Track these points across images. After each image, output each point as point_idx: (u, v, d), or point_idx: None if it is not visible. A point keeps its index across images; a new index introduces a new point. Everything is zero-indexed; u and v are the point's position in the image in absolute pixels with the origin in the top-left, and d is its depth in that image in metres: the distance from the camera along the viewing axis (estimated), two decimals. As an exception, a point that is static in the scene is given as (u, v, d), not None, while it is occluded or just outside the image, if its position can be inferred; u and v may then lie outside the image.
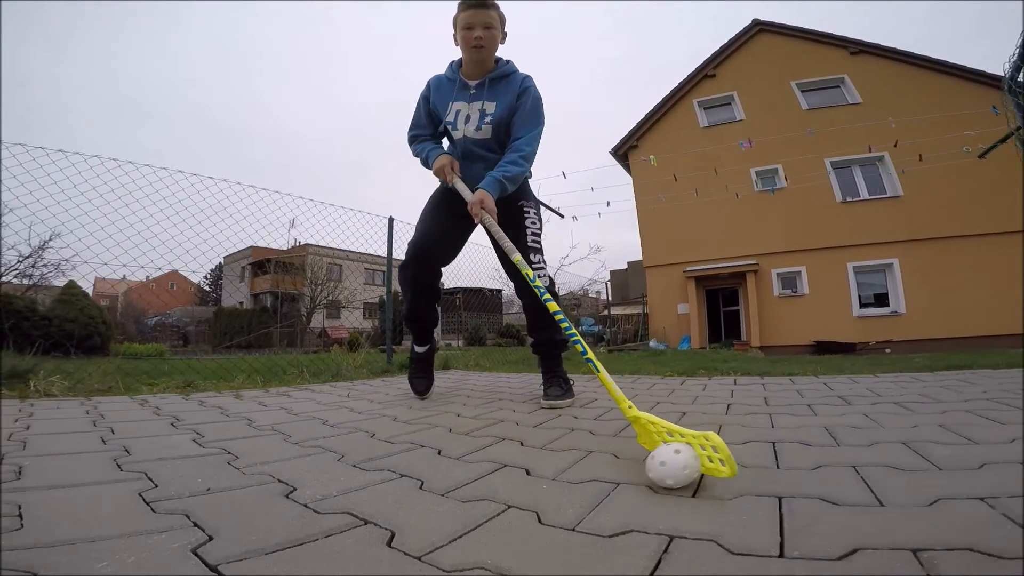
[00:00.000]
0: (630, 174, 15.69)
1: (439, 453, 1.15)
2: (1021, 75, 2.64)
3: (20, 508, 0.74)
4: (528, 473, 0.97)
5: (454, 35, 1.85)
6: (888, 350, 11.31)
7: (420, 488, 0.88)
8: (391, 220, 4.71)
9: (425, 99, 2.01)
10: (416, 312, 2.10)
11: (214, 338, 22.54)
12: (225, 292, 35.21)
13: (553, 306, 1.56)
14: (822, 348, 11.23)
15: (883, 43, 14.05)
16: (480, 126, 1.89)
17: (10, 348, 7.34)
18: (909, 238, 11.98)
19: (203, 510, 0.75)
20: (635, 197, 14.89)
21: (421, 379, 2.16)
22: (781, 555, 0.57)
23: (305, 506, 0.78)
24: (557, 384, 1.93)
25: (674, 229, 13.71)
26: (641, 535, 0.64)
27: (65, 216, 3.04)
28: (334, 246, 5.48)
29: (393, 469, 1.01)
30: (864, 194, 13.07)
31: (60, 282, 15.02)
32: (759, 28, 15.45)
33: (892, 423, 1.32)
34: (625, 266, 23.94)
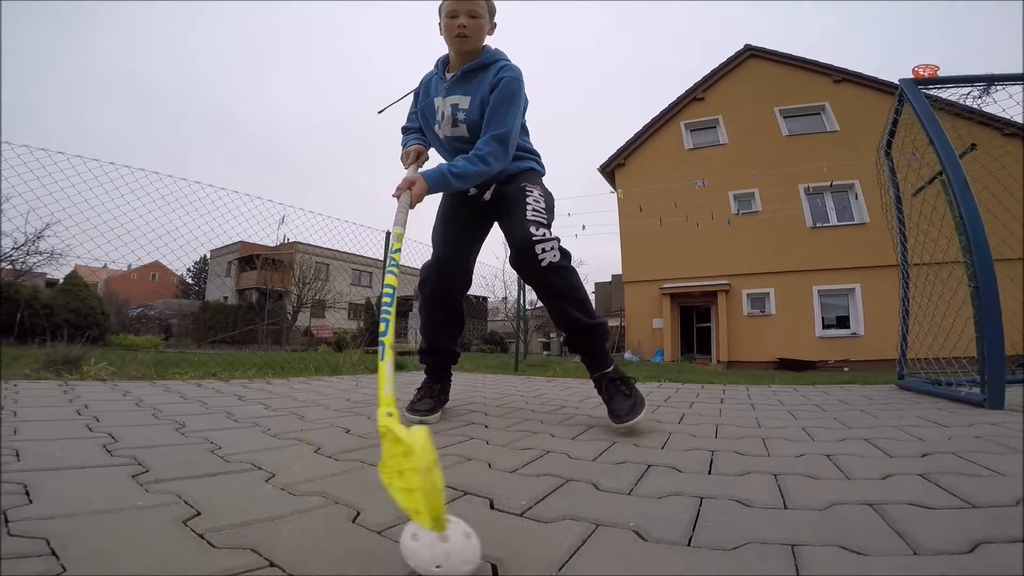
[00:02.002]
0: (615, 190, 16.39)
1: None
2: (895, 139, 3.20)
3: (137, 460, 1.14)
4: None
5: (439, 23, 1.70)
6: (846, 368, 12.04)
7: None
8: (388, 234, 5.20)
9: (415, 95, 1.91)
10: (434, 342, 1.84)
11: (198, 332, 22.60)
12: (210, 286, 35.11)
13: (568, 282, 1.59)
14: (784, 365, 11.92)
15: (866, 72, 14.94)
16: (455, 123, 1.72)
17: (12, 337, 7.65)
18: (870, 264, 12.75)
19: (275, 456, 1.12)
20: (618, 215, 15.54)
21: (427, 400, 1.77)
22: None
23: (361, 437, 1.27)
24: (620, 391, 1.58)
25: (653, 247, 14.37)
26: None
27: (55, 206, 3.36)
28: (323, 245, 5.83)
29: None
30: (833, 220, 13.87)
31: (51, 270, 15.21)
32: (750, 53, 16.24)
33: (761, 416, 1.71)
34: (610, 278, 24.66)
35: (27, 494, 0.78)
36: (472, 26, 1.64)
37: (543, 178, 1.90)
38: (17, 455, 1.03)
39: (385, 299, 1.04)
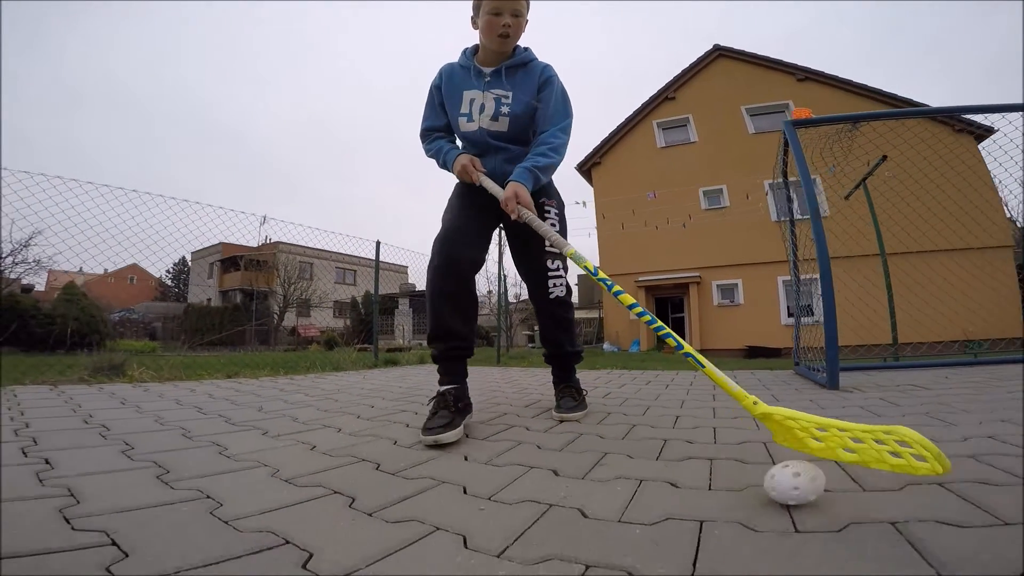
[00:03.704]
0: (592, 186, 17.05)
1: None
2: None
3: (220, 444, 1.76)
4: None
5: (473, 18, 1.70)
6: (810, 355, 12.90)
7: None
8: (378, 243, 5.73)
9: (436, 88, 1.83)
10: (441, 325, 1.62)
11: (184, 334, 22.73)
12: (192, 288, 34.97)
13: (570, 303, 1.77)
14: (753, 352, 12.71)
15: (827, 71, 15.76)
16: (496, 116, 1.73)
17: (17, 345, 7.97)
18: (831, 255, 13.58)
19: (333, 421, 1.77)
20: (595, 211, 16.19)
21: (442, 413, 1.46)
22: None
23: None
24: (570, 395, 1.84)
25: (628, 242, 15.04)
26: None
27: (33, 216, 3.82)
28: (305, 244, 6.18)
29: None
30: (797, 214, 14.68)
31: (25, 276, 15.32)
32: (718, 53, 16.95)
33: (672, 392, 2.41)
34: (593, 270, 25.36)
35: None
36: (515, 25, 1.65)
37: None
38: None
39: (645, 316, 1.37)
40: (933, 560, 0.59)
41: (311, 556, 0.65)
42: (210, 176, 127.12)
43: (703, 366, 1.12)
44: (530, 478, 1.02)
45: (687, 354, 1.16)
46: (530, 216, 1.53)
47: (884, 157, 5.18)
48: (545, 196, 1.82)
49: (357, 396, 2.44)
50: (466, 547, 0.68)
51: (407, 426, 1.64)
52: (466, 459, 1.19)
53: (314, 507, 0.85)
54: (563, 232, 1.83)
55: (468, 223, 1.71)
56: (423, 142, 1.87)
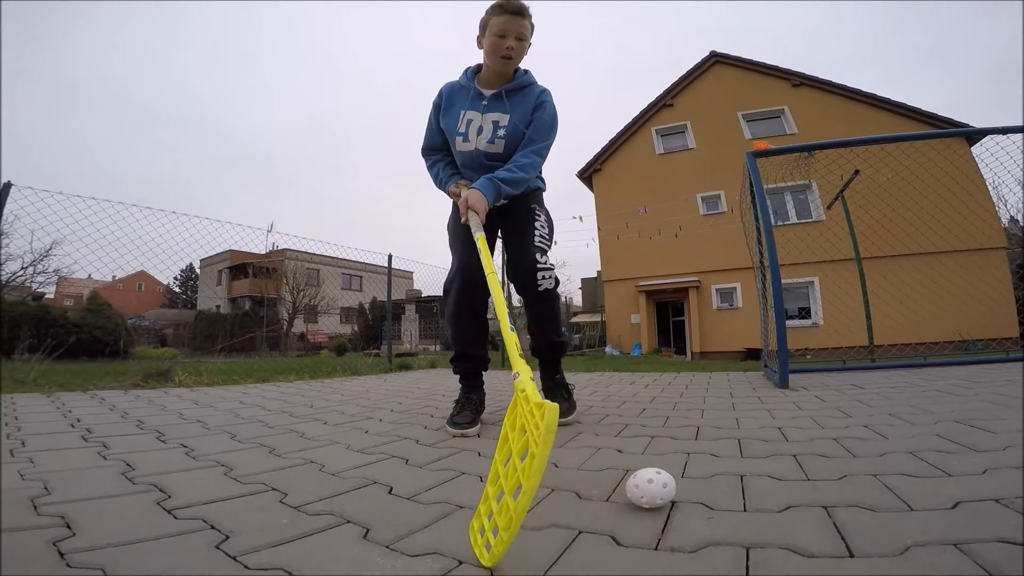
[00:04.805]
0: (592, 192, 17.48)
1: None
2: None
3: (296, 431, 2.15)
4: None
5: (479, 38, 1.76)
6: (808, 356, 13.22)
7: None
8: (390, 256, 6.13)
9: (436, 108, 1.92)
10: (464, 348, 1.92)
11: (194, 341, 23.23)
12: (201, 295, 35.54)
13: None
14: (751, 354, 13.04)
15: (822, 76, 16.12)
16: (493, 139, 1.81)
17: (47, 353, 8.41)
18: (828, 259, 13.95)
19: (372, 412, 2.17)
20: (597, 217, 16.57)
21: (466, 412, 1.79)
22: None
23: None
24: (560, 395, 1.95)
25: (629, 248, 15.42)
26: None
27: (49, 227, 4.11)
28: (312, 251, 6.50)
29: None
30: (793, 218, 15.05)
31: (36, 285, 15.83)
32: (715, 60, 17.33)
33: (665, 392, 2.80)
34: (595, 274, 25.78)
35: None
36: (518, 48, 1.72)
37: (544, 193, 2.04)
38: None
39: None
40: None
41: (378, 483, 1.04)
42: (211, 174, 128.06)
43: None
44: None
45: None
46: (476, 222, 1.60)
47: (856, 172, 5.57)
48: (535, 204, 1.93)
49: (384, 395, 2.84)
50: (480, 480, 1.07)
51: (431, 416, 2.04)
52: (479, 454, 1.58)
53: (383, 465, 1.24)
54: (550, 236, 1.94)
55: (475, 254, 1.72)
56: (424, 159, 2.01)
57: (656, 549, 0.71)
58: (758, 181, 3.17)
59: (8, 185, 3.95)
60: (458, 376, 1.95)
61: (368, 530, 0.80)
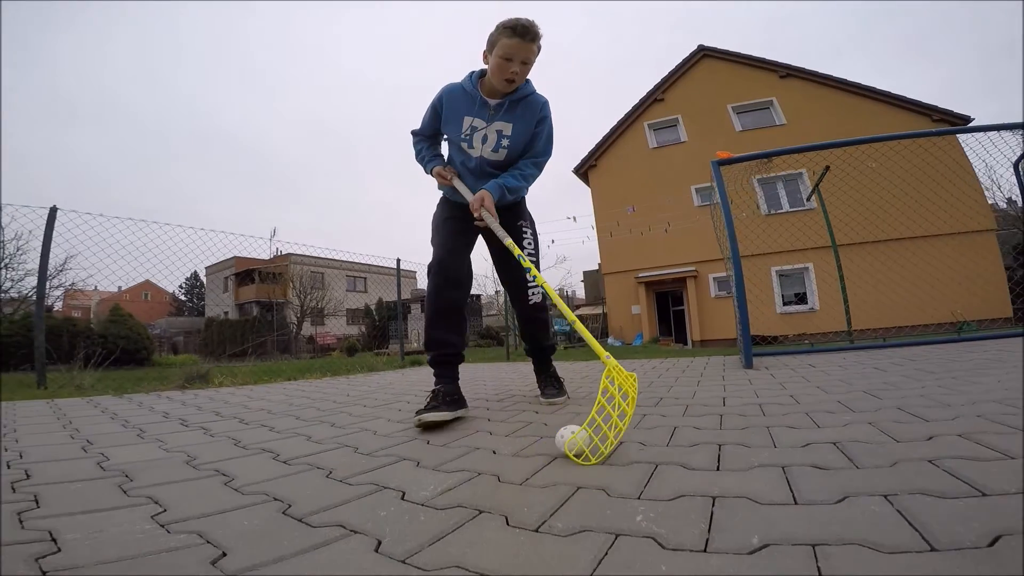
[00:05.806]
0: (588, 187, 17.88)
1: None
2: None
3: (346, 411, 2.58)
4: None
5: (486, 52, 1.82)
6: (807, 341, 13.62)
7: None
8: (399, 260, 6.56)
9: (434, 108, 2.00)
10: (434, 337, 1.94)
11: (205, 347, 23.76)
12: (209, 302, 36.05)
13: (548, 286, 1.85)
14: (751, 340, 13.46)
15: (809, 67, 16.42)
16: (497, 149, 1.93)
17: (78, 362, 8.91)
18: (821, 245, 14.32)
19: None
20: (594, 212, 16.97)
21: (434, 405, 1.82)
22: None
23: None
24: (552, 384, 2.23)
25: (627, 240, 15.83)
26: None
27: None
28: (315, 255, 6.87)
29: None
30: (785, 207, 15.41)
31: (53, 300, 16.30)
32: (703, 53, 17.64)
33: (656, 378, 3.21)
34: (597, 267, 26.17)
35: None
36: (522, 72, 1.78)
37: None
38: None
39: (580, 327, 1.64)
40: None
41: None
42: (213, 180, 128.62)
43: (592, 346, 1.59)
44: (543, 444, 1.42)
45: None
46: (489, 218, 1.79)
47: (827, 168, 5.97)
48: (522, 219, 2.12)
49: (407, 386, 3.27)
50: (494, 453, 1.50)
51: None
52: (491, 434, 2.00)
53: (411, 445, 1.67)
54: (536, 247, 2.15)
55: (456, 245, 2.00)
56: (413, 139, 2.15)
57: (611, 494, 1.13)
58: (722, 186, 3.59)
59: (55, 209, 4.41)
60: (431, 364, 1.98)
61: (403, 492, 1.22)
